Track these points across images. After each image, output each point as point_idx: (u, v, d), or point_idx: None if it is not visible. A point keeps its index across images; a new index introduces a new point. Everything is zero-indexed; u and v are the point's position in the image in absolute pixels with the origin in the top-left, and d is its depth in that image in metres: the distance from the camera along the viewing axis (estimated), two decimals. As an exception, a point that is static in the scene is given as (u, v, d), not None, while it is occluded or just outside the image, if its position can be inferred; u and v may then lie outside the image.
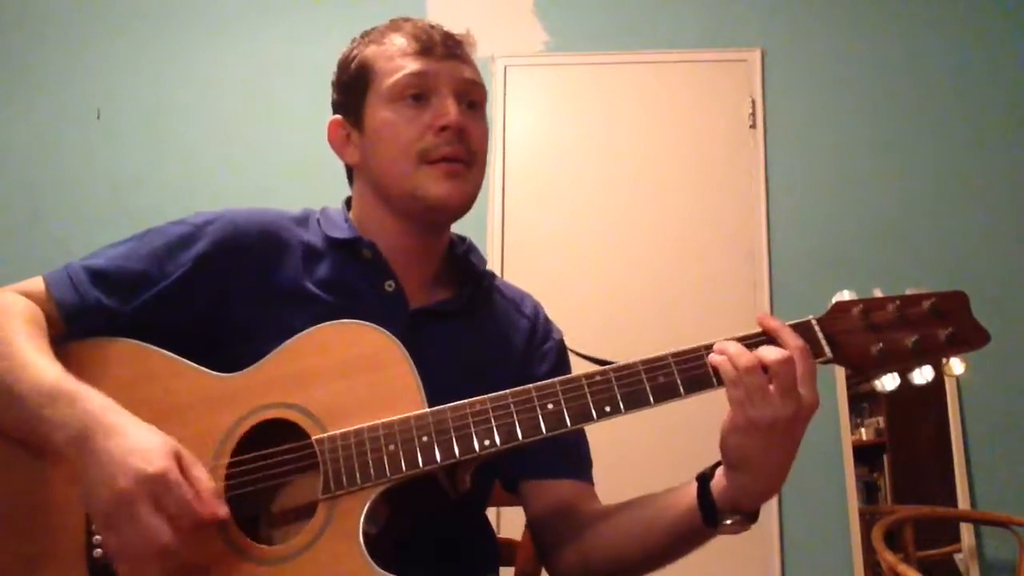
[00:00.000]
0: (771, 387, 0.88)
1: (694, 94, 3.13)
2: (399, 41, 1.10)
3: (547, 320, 1.23)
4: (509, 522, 1.26)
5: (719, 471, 0.95)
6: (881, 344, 0.93)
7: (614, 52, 3.16)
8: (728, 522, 0.94)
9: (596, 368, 0.94)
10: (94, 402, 0.87)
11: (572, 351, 1.18)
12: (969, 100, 3.04)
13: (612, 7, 3.21)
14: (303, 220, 1.14)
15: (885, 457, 2.92)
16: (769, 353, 0.89)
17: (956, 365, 0.94)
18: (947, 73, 3.06)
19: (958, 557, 2.75)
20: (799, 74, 3.10)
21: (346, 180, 1.20)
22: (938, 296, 0.94)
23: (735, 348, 0.91)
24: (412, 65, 1.08)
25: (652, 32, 3.17)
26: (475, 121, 1.10)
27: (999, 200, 2.97)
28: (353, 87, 1.12)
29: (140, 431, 0.86)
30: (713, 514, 0.94)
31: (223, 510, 0.86)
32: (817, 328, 0.94)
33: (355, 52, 1.14)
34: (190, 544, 0.83)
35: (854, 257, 2.93)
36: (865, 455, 2.89)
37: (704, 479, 0.96)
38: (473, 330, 1.14)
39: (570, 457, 1.15)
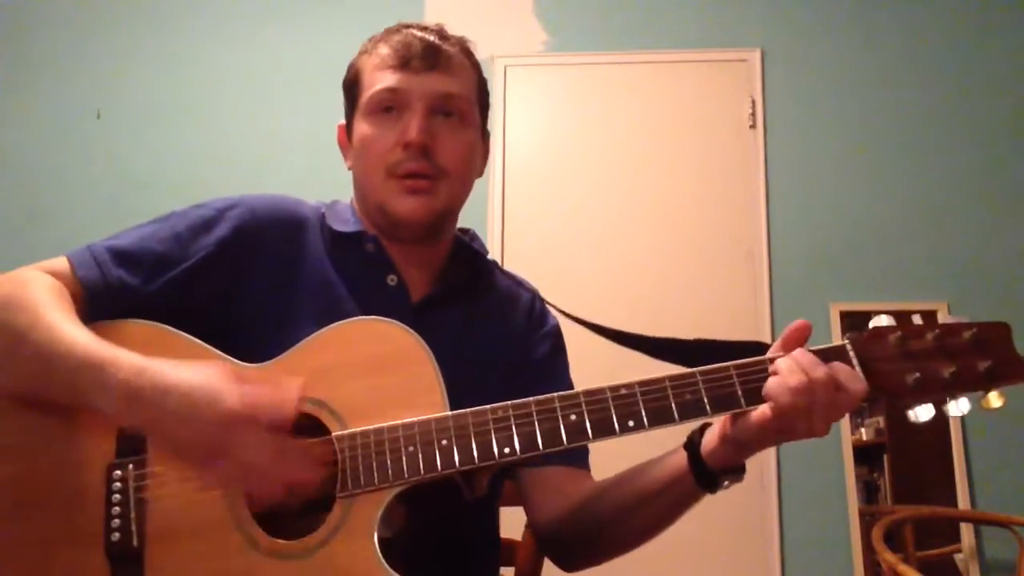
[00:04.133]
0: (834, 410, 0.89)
1: (694, 94, 3.13)
2: (383, 52, 1.12)
3: (544, 305, 1.25)
4: (509, 522, 1.26)
5: (707, 438, 0.96)
6: (918, 374, 0.90)
7: (614, 52, 3.16)
8: (726, 484, 0.97)
9: (621, 382, 0.94)
10: (132, 362, 0.88)
11: (568, 315, 1.17)
12: (971, 100, 3.04)
13: (612, 7, 3.21)
14: (316, 211, 1.17)
15: (885, 457, 2.92)
16: (845, 378, 0.89)
17: (995, 399, 0.92)
18: (949, 72, 3.06)
19: (958, 557, 2.75)
20: (799, 74, 3.10)
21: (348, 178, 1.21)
22: (979, 326, 0.91)
23: (809, 363, 0.89)
24: (387, 80, 1.10)
25: (652, 32, 3.17)
26: (449, 133, 1.11)
27: (999, 200, 2.97)
28: (348, 95, 1.17)
29: (191, 377, 0.87)
30: (710, 480, 0.96)
31: (295, 405, 0.89)
32: (852, 353, 0.92)
33: (354, 59, 1.16)
34: (292, 448, 0.87)
35: (854, 257, 2.93)
36: (865, 455, 2.89)
37: (694, 448, 0.97)
38: (477, 314, 1.16)
39: None
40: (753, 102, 3.07)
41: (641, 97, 3.14)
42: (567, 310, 1.17)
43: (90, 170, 3.22)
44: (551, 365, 1.20)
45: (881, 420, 2.93)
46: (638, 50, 3.16)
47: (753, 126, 3.06)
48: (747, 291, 2.95)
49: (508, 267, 1.22)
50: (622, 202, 3.07)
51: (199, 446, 0.86)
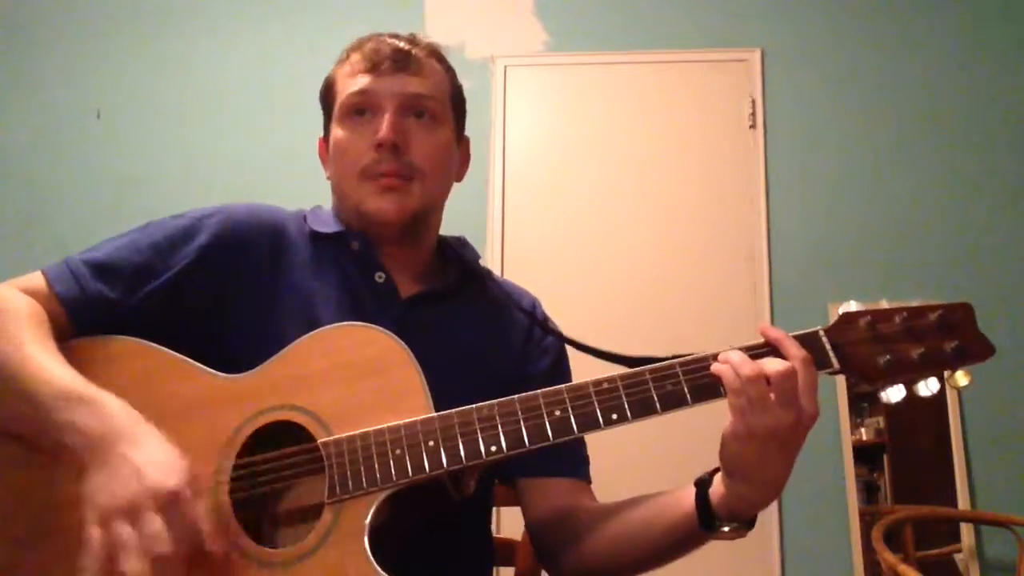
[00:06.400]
0: (772, 396, 0.87)
1: (694, 94, 3.13)
2: (354, 59, 1.13)
3: (545, 316, 1.24)
4: (509, 522, 1.26)
5: (717, 478, 0.95)
6: (888, 356, 0.93)
7: (614, 52, 3.16)
8: (725, 529, 0.95)
9: (603, 376, 0.94)
10: (111, 407, 0.86)
11: (571, 340, 1.17)
12: (970, 99, 3.04)
13: (612, 7, 3.21)
14: (298, 216, 1.17)
15: (885, 457, 2.92)
16: (771, 364, 0.89)
17: (961, 377, 0.94)
18: (948, 72, 3.06)
19: (958, 557, 2.75)
20: (799, 74, 3.10)
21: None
22: (945, 308, 0.94)
23: (738, 357, 0.90)
24: (358, 84, 1.11)
25: (652, 32, 3.17)
26: (421, 133, 1.12)
27: (1000, 201, 2.97)
28: (324, 106, 1.18)
29: (160, 445, 0.84)
30: (710, 520, 0.95)
31: (223, 545, 0.83)
32: (825, 339, 0.94)
33: (329, 72, 1.18)
34: (180, 564, 0.80)
35: (854, 258, 2.92)
36: (865, 455, 2.89)
37: (703, 485, 0.96)
38: (468, 316, 1.15)
39: (566, 455, 1.15)
40: (753, 102, 3.07)
41: (641, 97, 3.14)
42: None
43: (90, 170, 3.22)
44: (551, 382, 1.19)
45: (881, 420, 2.93)
46: (638, 50, 3.16)
47: (753, 126, 3.06)
48: (747, 291, 2.95)
49: (508, 266, 1.22)
50: (622, 202, 3.07)
51: (111, 500, 0.80)
